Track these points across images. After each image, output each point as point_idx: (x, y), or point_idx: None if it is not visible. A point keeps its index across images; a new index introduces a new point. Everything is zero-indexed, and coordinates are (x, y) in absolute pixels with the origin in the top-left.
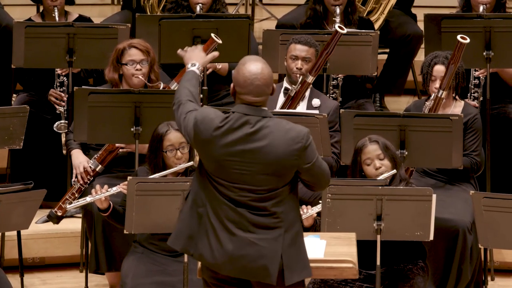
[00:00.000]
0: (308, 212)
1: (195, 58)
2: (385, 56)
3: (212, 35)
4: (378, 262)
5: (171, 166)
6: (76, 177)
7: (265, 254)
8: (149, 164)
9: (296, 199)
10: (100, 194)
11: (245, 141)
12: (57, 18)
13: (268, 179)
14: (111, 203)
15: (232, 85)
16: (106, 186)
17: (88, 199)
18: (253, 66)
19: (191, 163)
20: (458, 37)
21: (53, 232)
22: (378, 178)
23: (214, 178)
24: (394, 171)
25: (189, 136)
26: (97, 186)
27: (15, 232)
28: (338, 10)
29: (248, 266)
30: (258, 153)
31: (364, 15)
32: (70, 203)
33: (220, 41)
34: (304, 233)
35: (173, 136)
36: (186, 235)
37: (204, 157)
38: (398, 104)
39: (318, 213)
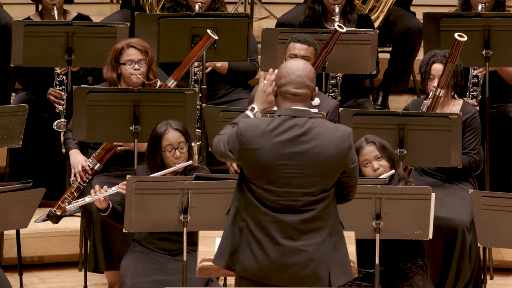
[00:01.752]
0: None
1: (257, 102)
2: (387, 55)
3: (208, 31)
4: (377, 261)
5: (170, 166)
6: (75, 176)
7: (314, 259)
8: (148, 163)
9: (335, 202)
10: (99, 195)
11: (295, 143)
12: (56, 17)
13: (319, 181)
14: (110, 202)
15: (273, 84)
16: (105, 187)
17: (87, 199)
18: (296, 62)
19: (189, 162)
20: (456, 35)
21: (52, 231)
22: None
23: (262, 187)
24: (393, 171)
25: (233, 150)
26: (96, 187)
27: (14, 231)
28: (337, 9)
29: (298, 274)
30: (309, 155)
31: (366, 13)
32: (69, 202)
33: (216, 37)
34: None
35: (172, 136)
36: (229, 252)
37: (251, 166)
38: (397, 103)
39: None
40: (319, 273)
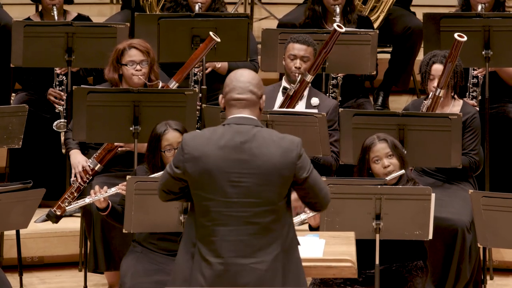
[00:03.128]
0: (314, 212)
1: None
2: (387, 56)
3: (211, 33)
4: (377, 261)
5: None
6: (75, 176)
7: (266, 279)
8: (148, 163)
9: (291, 216)
10: (99, 195)
11: (240, 150)
12: (56, 17)
13: (265, 190)
14: (110, 202)
15: (220, 96)
16: (105, 187)
17: (87, 200)
18: (240, 70)
19: None
20: (455, 35)
21: (52, 231)
22: (387, 178)
23: (209, 198)
24: (403, 171)
25: (178, 163)
26: (96, 187)
27: (14, 232)
28: (337, 10)
29: None
30: (253, 162)
31: (366, 14)
32: (69, 202)
33: (218, 40)
34: (303, 233)
35: (171, 136)
36: (181, 279)
37: (197, 176)
38: (397, 103)
39: None
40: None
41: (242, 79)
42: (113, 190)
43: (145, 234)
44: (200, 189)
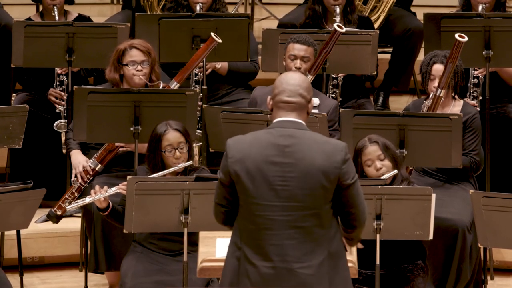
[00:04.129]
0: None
1: None
2: (387, 56)
3: (212, 34)
4: (378, 262)
5: (170, 166)
6: (76, 176)
7: (312, 284)
8: (148, 164)
9: (336, 223)
10: (99, 195)
11: (283, 153)
12: (56, 18)
13: (309, 194)
14: (110, 202)
15: (268, 98)
16: (105, 187)
17: (88, 199)
18: (291, 73)
19: (190, 162)
20: (456, 35)
21: (53, 231)
22: (382, 177)
23: (252, 201)
24: (396, 171)
25: (223, 169)
26: (97, 187)
27: (14, 232)
28: (338, 10)
29: None
30: (297, 166)
31: (366, 14)
32: (70, 202)
33: (219, 40)
34: None
35: (172, 136)
36: (228, 282)
37: (243, 180)
38: (398, 103)
39: None
40: None
41: (293, 82)
42: (113, 190)
43: (145, 234)
44: (244, 192)
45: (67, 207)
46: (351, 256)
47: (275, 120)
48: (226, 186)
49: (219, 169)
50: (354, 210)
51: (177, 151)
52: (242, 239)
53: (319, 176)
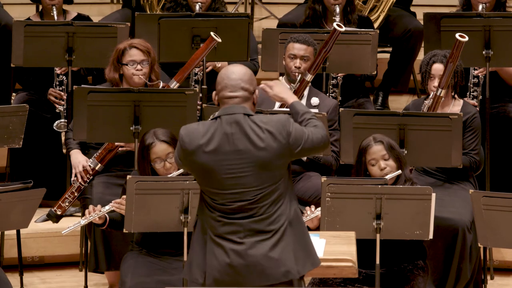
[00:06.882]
0: (314, 214)
1: (288, 95)
2: (387, 55)
3: (212, 33)
4: (378, 261)
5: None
6: (76, 176)
7: (277, 252)
8: (140, 174)
9: (291, 191)
10: (94, 215)
11: (232, 141)
12: (55, 17)
13: (266, 175)
14: (107, 215)
15: (213, 93)
16: (99, 206)
17: (82, 222)
18: (232, 66)
19: (181, 170)
20: (457, 35)
21: (53, 231)
22: (385, 177)
23: (214, 192)
24: (400, 171)
25: (180, 156)
26: (90, 207)
27: (14, 231)
28: (337, 9)
29: (266, 271)
30: (248, 152)
31: (366, 13)
32: (70, 202)
33: (219, 40)
34: None
35: (159, 149)
36: (196, 265)
37: (198, 172)
38: (398, 103)
39: None
40: (286, 265)
41: (233, 77)
42: (107, 208)
43: (142, 236)
44: (202, 180)
45: (62, 232)
46: (351, 256)
47: (220, 110)
48: (180, 161)
49: (175, 154)
50: (314, 152)
51: (166, 162)
52: (208, 225)
53: (271, 157)
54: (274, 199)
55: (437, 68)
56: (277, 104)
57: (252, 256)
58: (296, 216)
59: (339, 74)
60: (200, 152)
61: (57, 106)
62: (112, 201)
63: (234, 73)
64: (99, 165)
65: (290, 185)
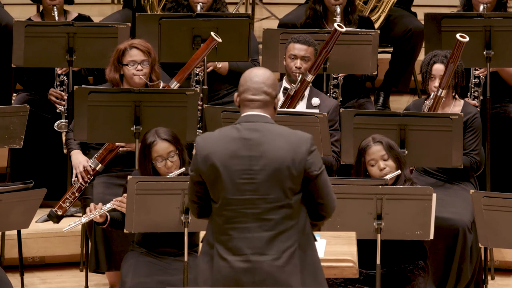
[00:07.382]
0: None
1: None
2: (388, 56)
3: (212, 33)
4: (378, 262)
5: (163, 175)
6: (76, 176)
7: (284, 275)
8: (141, 172)
9: (304, 214)
10: (95, 213)
11: (249, 147)
12: (56, 18)
13: (276, 186)
14: (108, 214)
15: (235, 94)
16: (100, 204)
17: (83, 219)
18: (255, 69)
19: (182, 169)
20: (457, 35)
21: (53, 231)
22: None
23: (224, 197)
24: (399, 171)
25: (193, 166)
26: (92, 205)
27: (15, 231)
28: (338, 9)
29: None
30: (263, 159)
31: (367, 14)
32: (71, 202)
33: (219, 40)
34: None
35: (161, 148)
36: (202, 281)
37: (210, 176)
38: (398, 103)
39: None
40: (291, 285)
41: (256, 80)
42: (108, 206)
43: (143, 236)
44: (213, 188)
45: (63, 230)
46: (352, 256)
47: (241, 116)
48: (197, 183)
49: (189, 167)
50: (323, 201)
51: (167, 161)
52: (214, 236)
53: (285, 168)
54: (285, 215)
55: (438, 68)
56: (278, 103)
57: (259, 274)
58: (307, 239)
59: (340, 75)
60: (211, 153)
61: (57, 106)
62: (113, 199)
63: (258, 76)
64: (100, 165)
65: (304, 209)
